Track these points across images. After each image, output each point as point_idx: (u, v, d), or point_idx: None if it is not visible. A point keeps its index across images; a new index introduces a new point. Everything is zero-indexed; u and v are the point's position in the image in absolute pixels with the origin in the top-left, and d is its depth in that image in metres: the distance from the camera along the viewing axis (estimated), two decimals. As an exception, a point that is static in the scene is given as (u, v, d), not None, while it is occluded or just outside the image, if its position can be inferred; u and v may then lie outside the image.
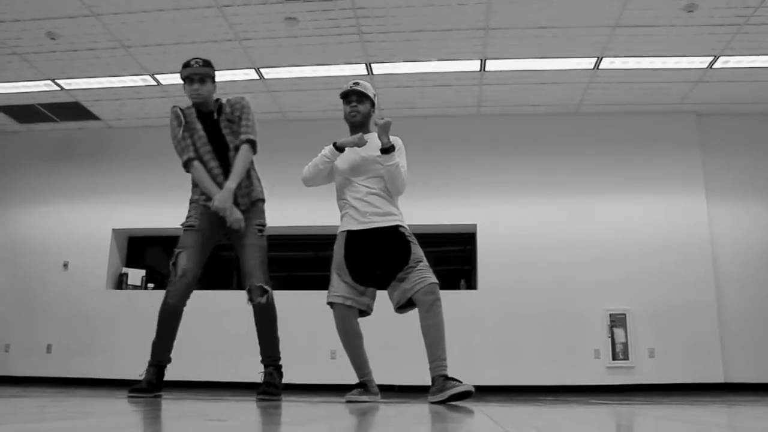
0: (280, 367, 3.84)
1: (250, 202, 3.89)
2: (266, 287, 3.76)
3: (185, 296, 3.74)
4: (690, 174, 7.73)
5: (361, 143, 3.70)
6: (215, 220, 3.81)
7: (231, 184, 3.75)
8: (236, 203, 3.80)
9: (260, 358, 3.83)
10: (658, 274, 7.45)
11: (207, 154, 3.83)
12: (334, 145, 3.74)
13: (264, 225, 3.90)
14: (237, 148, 3.84)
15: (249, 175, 3.91)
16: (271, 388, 3.70)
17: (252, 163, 3.95)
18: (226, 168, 3.83)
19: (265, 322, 3.80)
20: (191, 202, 3.90)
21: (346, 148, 3.76)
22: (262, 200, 3.96)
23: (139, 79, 7.31)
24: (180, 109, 3.92)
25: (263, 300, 3.74)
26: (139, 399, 3.37)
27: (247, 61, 6.88)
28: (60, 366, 7.83)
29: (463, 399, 3.33)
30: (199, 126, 3.86)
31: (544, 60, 6.79)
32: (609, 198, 7.74)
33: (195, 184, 3.90)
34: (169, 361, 3.82)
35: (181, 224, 3.88)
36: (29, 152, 8.75)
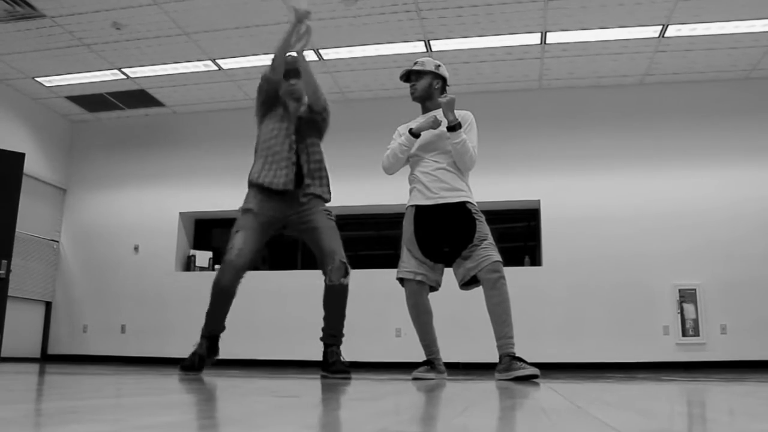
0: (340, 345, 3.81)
1: (316, 194, 3.87)
2: (348, 267, 3.77)
3: (238, 277, 3.72)
4: (762, 143, 7.42)
5: (435, 125, 3.68)
6: (274, 207, 3.81)
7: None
8: (307, 189, 3.81)
9: (320, 335, 3.79)
10: (729, 247, 7.20)
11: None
12: (410, 131, 3.74)
13: (330, 212, 3.90)
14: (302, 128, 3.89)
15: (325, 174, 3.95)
16: (341, 366, 3.66)
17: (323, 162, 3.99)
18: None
19: (340, 301, 3.77)
20: (250, 185, 3.88)
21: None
22: (326, 200, 3.93)
23: (201, 65, 7.44)
24: None
25: (345, 281, 3.74)
26: (189, 376, 3.30)
27: (305, 43, 6.90)
28: (134, 345, 8.14)
29: (528, 381, 3.31)
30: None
31: (605, 30, 6.60)
32: (677, 170, 7.50)
33: (254, 165, 3.92)
34: (222, 329, 3.81)
35: (240, 207, 3.88)
36: (99, 140, 9.04)
